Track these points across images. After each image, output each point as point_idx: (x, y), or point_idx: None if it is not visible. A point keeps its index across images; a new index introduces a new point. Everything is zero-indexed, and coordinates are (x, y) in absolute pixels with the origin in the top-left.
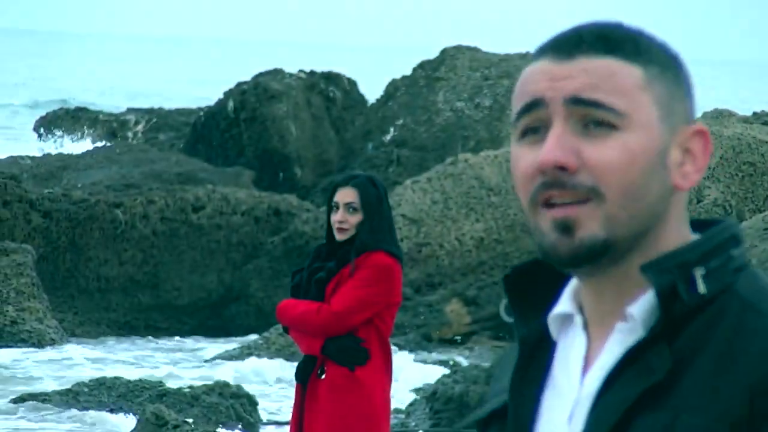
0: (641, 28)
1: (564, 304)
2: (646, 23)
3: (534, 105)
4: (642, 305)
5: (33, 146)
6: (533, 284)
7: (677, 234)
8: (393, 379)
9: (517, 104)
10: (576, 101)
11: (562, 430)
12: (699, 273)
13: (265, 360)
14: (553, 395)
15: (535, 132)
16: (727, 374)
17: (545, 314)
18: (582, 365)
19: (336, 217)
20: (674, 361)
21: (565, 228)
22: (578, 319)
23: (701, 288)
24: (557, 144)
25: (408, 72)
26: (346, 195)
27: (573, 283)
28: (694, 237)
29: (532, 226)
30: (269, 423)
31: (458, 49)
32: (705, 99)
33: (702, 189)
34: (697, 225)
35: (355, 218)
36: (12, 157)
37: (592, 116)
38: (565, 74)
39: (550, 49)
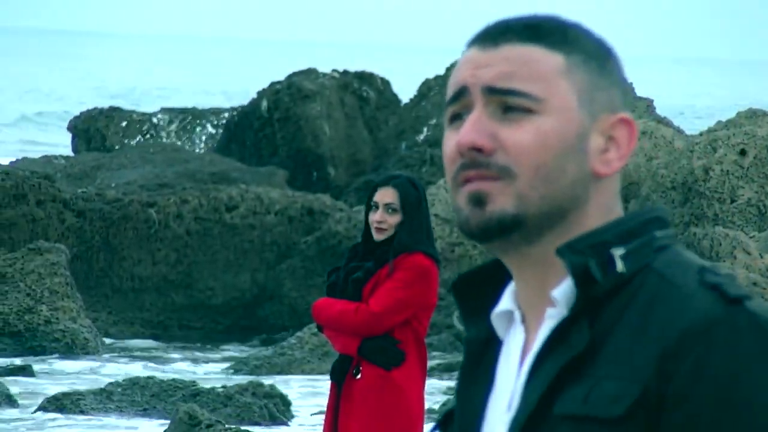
0: (578, 23)
1: (504, 302)
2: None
3: (459, 94)
4: (564, 288)
5: (67, 146)
6: (481, 289)
7: (600, 219)
8: (426, 379)
9: (448, 92)
10: (491, 90)
11: (502, 419)
12: (618, 253)
13: (297, 359)
14: (497, 390)
15: (460, 118)
16: (640, 340)
17: (489, 315)
18: (520, 356)
19: (375, 216)
20: (595, 335)
21: (478, 201)
22: (517, 314)
23: (620, 267)
24: (474, 127)
25: (441, 72)
26: (386, 195)
27: (513, 282)
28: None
29: (454, 205)
30: (303, 423)
31: None
32: (739, 98)
33: (736, 189)
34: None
35: (394, 219)
36: (46, 156)
37: (509, 102)
38: (487, 62)
39: (480, 37)
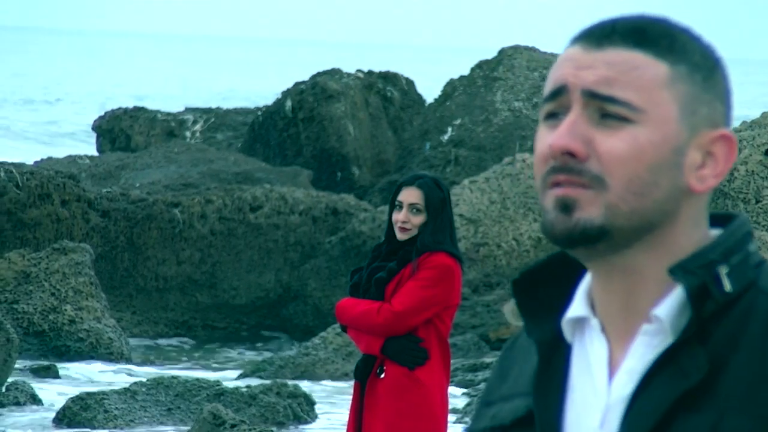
0: (687, 28)
1: (578, 307)
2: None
3: (558, 92)
4: (668, 307)
5: (91, 146)
6: (544, 286)
7: (690, 234)
8: (450, 378)
9: (546, 88)
10: (591, 95)
11: None
12: (723, 271)
13: (321, 359)
14: (577, 401)
15: (556, 116)
16: (764, 372)
17: (557, 316)
18: (607, 370)
19: (399, 216)
20: (709, 362)
21: (565, 206)
22: (594, 322)
23: (727, 286)
24: (569, 131)
25: (466, 72)
26: (410, 195)
27: (585, 284)
28: (714, 233)
29: (541, 206)
30: (327, 423)
31: (516, 49)
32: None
33: (761, 189)
34: (711, 219)
35: (418, 219)
36: (70, 156)
37: (607, 109)
38: (589, 64)
39: (584, 36)
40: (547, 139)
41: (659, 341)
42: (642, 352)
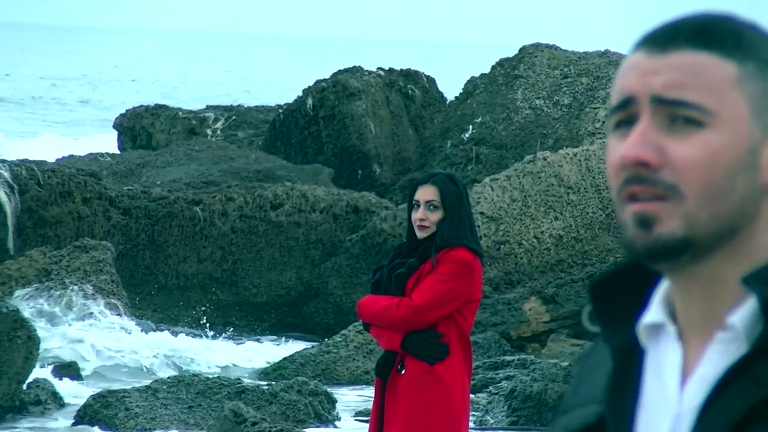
0: (753, 22)
1: (655, 313)
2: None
3: (626, 102)
4: (743, 315)
5: (113, 143)
6: (620, 291)
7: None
8: (471, 374)
9: (613, 98)
10: (660, 101)
11: None
12: None
13: (342, 357)
14: (649, 408)
15: (627, 124)
16: None
17: (633, 322)
18: (679, 376)
19: (416, 215)
20: None
21: (644, 222)
22: (671, 329)
23: None
24: (640, 140)
25: (487, 70)
26: (426, 193)
27: (662, 290)
28: None
29: (620, 219)
30: (348, 420)
31: (537, 47)
32: None
33: None
34: None
35: (436, 216)
36: (92, 154)
37: (678, 113)
38: (655, 69)
39: (647, 41)
40: (619, 150)
41: (734, 349)
42: (716, 360)
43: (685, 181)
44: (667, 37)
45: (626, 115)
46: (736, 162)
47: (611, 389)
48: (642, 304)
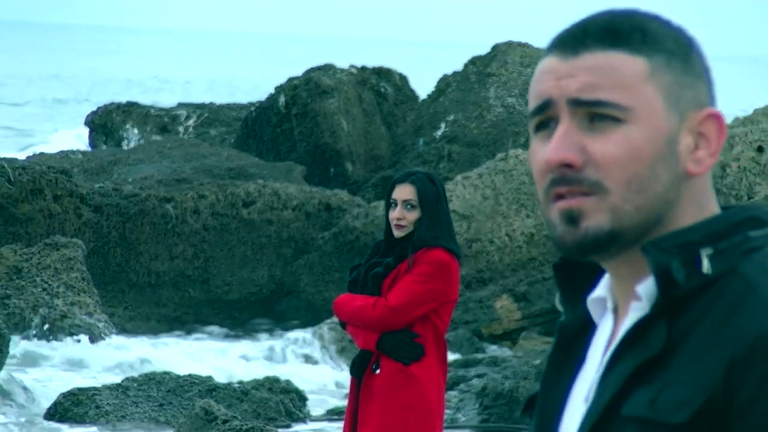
0: (656, 15)
1: (600, 289)
2: (702, 19)
3: (544, 106)
4: (648, 284)
5: (84, 141)
6: (581, 272)
7: (692, 217)
8: (447, 374)
9: (531, 102)
10: (577, 102)
11: (579, 410)
12: (705, 253)
13: (315, 354)
14: (583, 377)
15: (547, 126)
16: (712, 347)
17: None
18: (605, 346)
19: (394, 214)
20: (672, 336)
21: (571, 218)
22: (609, 303)
23: (705, 267)
24: (562, 142)
25: (459, 68)
26: (403, 192)
27: None
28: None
29: (547, 219)
30: (319, 419)
31: (509, 45)
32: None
33: (753, 186)
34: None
35: (413, 215)
36: (63, 151)
37: (596, 112)
38: (569, 72)
39: (558, 44)
40: (542, 153)
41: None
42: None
43: (609, 176)
44: (577, 40)
45: (545, 117)
46: (656, 153)
47: (549, 363)
48: (597, 281)
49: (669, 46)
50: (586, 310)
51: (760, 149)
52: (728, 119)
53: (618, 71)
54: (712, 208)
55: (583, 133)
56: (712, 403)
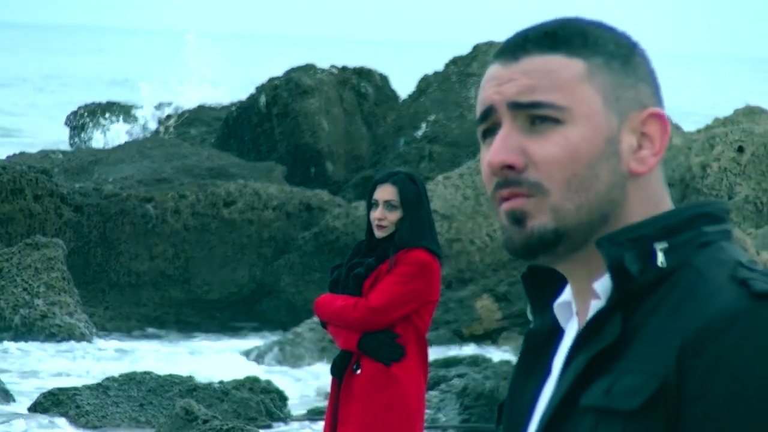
0: (599, 22)
1: (565, 294)
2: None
3: (487, 113)
4: (605, 280)
5: (64, 140)
6: (548, 279)
7: (644, 215)
8: (428, 375)
9: (477, 111)
10: (516, 105)
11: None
12: (660, 247)
13: (296, 354)
14: (549, 383)
15: (493, 133)
16: (664, 334)
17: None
18: (570, 347)
19: (375, 214)
20: (628, 328)
21: (516, 219)
22: (573, 306)
23: (660, 261)
24: (502, 145)
25: (440, 68)
26: (385, 192)
27: None
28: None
29: (500, 224)
30: (300, 419)
31: (490, 45)
32: (736, 96)
33: (733, 186)
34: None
35: (394, 215)
36: (43, 151)
37: (536, 115)
38: (508, 77)
39: (501, 52)
40: (487, 157)
41: None
42: None
43: (548, 176)
44: (517, 46)
45: (490, 124)
46: (595, 152)
47: (518, 368)
48: (564, 288)
49: (609, 49)
50: (554, 317)
51: (740, 150)
52: (710, 119)
53: (555, 73)
54: (665, 206)
55: (525, 136)
56: (665, 389)
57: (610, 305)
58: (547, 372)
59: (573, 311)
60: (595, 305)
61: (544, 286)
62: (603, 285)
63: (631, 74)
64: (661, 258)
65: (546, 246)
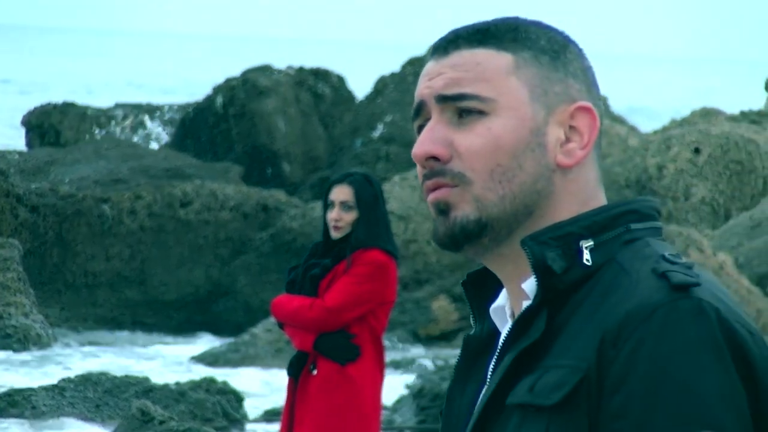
0: (535, 21)
1: (500, 298)
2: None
3: (419, 108)
4: (532, 280)
5: (20, 141)
6: (487, 286)
7: (573, 211)
8: (384, 375)
9: (413, 106)
10: (442, 98)
11: None
12: (586, 245)
13: (251, 355)
14: (487, 386)
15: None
16: (586, 329)
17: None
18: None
19: (331, 215)
20: (554, 326)
21: (441, 209)
22: (507, 309)
23: (587, 259)
24: (428, 137)
25: (397, 69)
26: (341, 193)
27: None
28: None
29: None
30: (257, 420)
31: None
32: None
33: (689, 187)
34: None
35: (350, 216)
36: None
37: (461, 107)
38: (437, 72)
39: (434, 49)
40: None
41: None
42: None
43: (471, 167)
44: (449, 42)
45: (423, 120)
46: (519, 143)
47: (456, 375)
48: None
49: (540, 44)
50: (492, 322)
51: (696, 151)
52: (666, 120)
53: (481, 65)
54: (596, 203)
55: (452, 128)
56: (586, 382)
57: (535, 303)
58: (485, 376)
59: (507, 314)
60: (525, 306)
61: (484, 292)
62: (531, 285)
63: (560, 69)
64: (587, 256)
65: (469, 236)
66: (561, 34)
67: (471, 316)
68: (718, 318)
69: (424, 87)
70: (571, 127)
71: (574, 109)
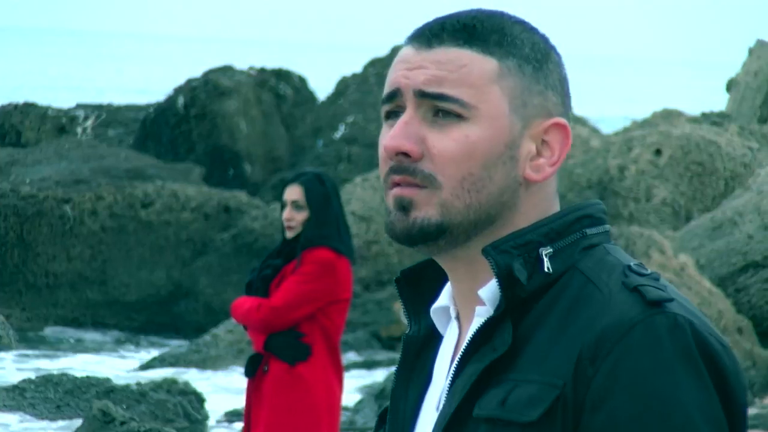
0: (520, 21)
1: (442, 298)
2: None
3: (393, 95)
4: (490, 287)
5: None
6: (423, 284)
7: (529, 220)
8: (342, 375)
9: (384, 90)
10: (422, 94)
11: (432, 418)
12: (545, 252)
13: (212, 356)
14: (431, 389)
15: (396, 115)
16: (559, 343)
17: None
18: (452, 354)
19: (284, 215)
20: (518, 337)
21: (403, 207)
22: (452, 311)
23: (547, 267)
24: (402, 131)
25: (358, 69)
26: (292, 192)
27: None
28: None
29: (386, 205)
30: (218, 421)
31: None
32: (654, 99)
33: (651, 188)
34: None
35: (301, 215)
36: None
37: (440, 107)
38: (419, 64)
39: (415, 37)
40: (384, 139)
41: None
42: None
43: (442, 171)
44: (433, 34)
45: (395, 106)
46: (493, 154)
47: (398, 376)
48: (440, 292)
49: (524, 52)
50: (431, 322)
51: (658, 152)
52: (628, 121)
53: (466, 68)
54: (553, 211)
55: (426, 126)
56: (563, 399)
57: (499, 314)
58: (428, 379)
59: (451, 316)
60: (480, 311)
61: (420, 291)
62: (489, 292)
63: (541, 80)
64: (547, 263)
65: (426, 238)
66: (544, 39)
67: (405, 314)
68: (692, 331)
69: (402, 75)
70: (544, 142)
71: (550, 125)
